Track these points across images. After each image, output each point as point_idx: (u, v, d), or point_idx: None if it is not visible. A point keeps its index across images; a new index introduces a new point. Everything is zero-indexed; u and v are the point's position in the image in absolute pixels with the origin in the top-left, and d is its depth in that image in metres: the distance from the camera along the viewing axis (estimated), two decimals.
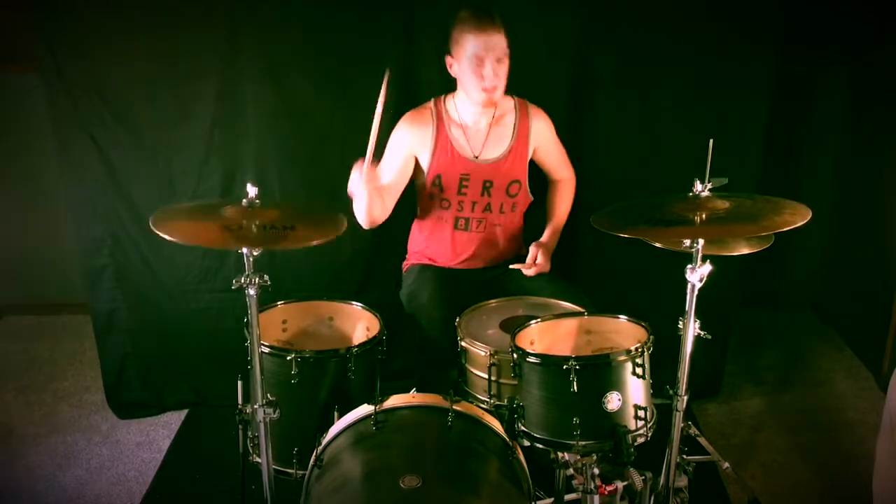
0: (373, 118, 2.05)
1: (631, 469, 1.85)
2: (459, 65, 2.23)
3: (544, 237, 2.47)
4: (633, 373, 1.80)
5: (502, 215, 2.42)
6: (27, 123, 3.33)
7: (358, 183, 2.12)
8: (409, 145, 2.33)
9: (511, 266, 2.41)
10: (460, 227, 2.42)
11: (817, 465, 2.57)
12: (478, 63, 2.18)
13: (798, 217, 1.64)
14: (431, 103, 2.36)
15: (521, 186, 2.40)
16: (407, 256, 2.57)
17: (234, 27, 2.45)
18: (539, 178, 2.51)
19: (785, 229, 1.62)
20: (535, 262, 2.37)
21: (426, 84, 2.50)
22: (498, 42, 2.17)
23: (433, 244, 2.48)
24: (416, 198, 2.47)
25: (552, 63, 2.55)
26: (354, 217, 2.22)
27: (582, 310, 2.14)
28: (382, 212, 2.27)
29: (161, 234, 1.62)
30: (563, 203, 2.52)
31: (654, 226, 1.76)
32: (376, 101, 2.03)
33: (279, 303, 2.19)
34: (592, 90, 2.59)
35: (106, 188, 2.59)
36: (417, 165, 2.37)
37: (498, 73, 2.20)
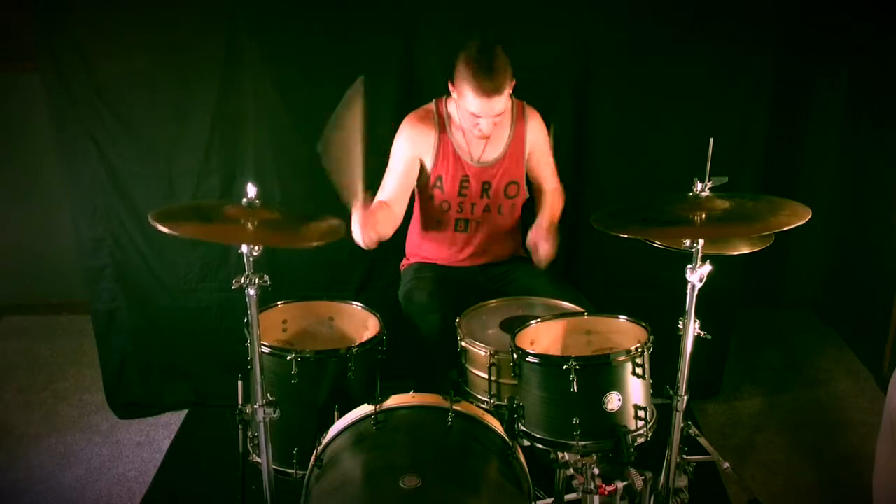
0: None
1: (631, 469, 1.85)
2: (458, 103, 2.22)
3: (539, 220, 2.29)
4: (633, 373, 1.80)
5: (501, 216, 2.42)
6: (27, 123, 3.33)
7: (360, 230, 2.04)
8: (413, 149, 2.32)
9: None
10: (460, 229, 2.42)
11: (817, 465, 2.57)
12: (474, 118, 2.18)
13: (796, 218, 1.63)
14: (433, 105, 2.36)
15: (518, 187, 2.40)
16: (405, 257, 2.57)
17: (234, 27, 2.46)
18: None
19: (784, 229, 1.62)
20: (537, 249, 2.23)
21: (426, 84, 2.50)
22: (496, 104, 2.13)
23: (433, 245, 2.48)
24: (416, 200, 2.47)
25: (553, 64, 2.56)
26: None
27: (582, 310, 2.14)
28: (391, 226, 2.25)
29: (159, 227, 1.60)
30: (555, 203, 2.40)
31: (654, 226, 1.76)
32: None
33: (279, 303, 2.19)
34: (593, 91, 2.59)
35: (106, 188, 2.59)
36: (421, 166, 2.37)
37: (492, 124, 2.20)
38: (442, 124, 2.33)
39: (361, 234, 2.06)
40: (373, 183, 2.31)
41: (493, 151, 2.35)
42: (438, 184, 2.35)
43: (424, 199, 2.43)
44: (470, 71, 2.10)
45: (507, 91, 2.15)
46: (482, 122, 2.18)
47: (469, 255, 2.47)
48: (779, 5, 2.45)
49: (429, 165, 2.34)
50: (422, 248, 2.51)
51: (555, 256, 2.26)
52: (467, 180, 2.35)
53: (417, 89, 2.52)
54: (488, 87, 2.09)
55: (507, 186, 2.38)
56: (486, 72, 2.09)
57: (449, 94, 2.29)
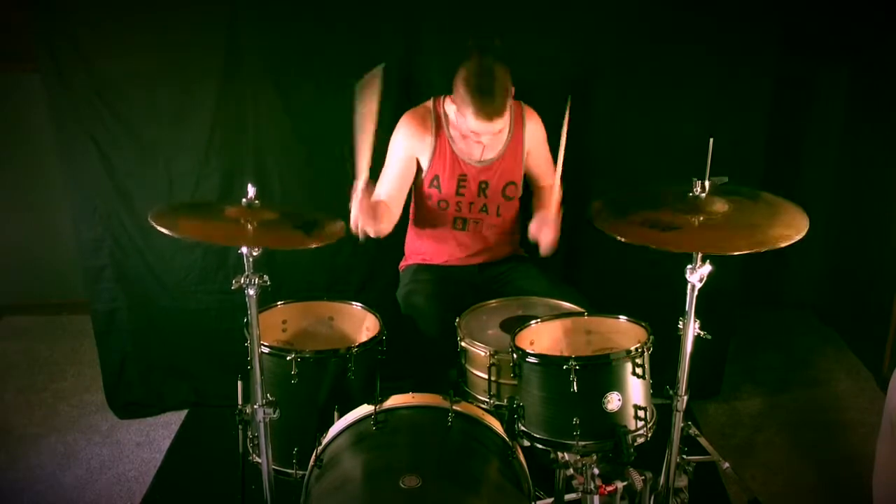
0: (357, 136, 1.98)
1: (631, 469, 1.85)
2: (457, 118, 2.20)
3: (544, 211, 2.25)
4: (633, 373, 1.80)
5: (499, 217, 2.42)
6: (27, 123, 3.33)
7: (358, 212, 2.05)
8: (409, 147, 2.32)
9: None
10: (458, 228, 2.42)
11: (817, 465, 2.57)
12: (475, 133, 2.17)
13: (794, 231, 1.63)
14: (430, 103, 2.35)
15: (517, 188, 2.39)
16: (404, 257, 2.57)
17: (234, 28, 2.46)
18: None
19: (782, 245, 1.62)
20: (541, 238, 2.21)
21: (426, 85, 2.50)
22: (497, 125, 2.13)
23: (430, 244, 2.48)
24: (413, 198, 2.46)
25: (553, 64, 2.55)
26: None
27: (582, 310, 2.14)
28: (389, 222, 2.25)
29: (160, 228, 1.60)
30: (554, 197, 2.32)
31: (653, 228, 1.75)
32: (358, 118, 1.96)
33: (279, 303, 2.19)
34: (592, 90, 2.59)
35: (106, 188, 2.59)
36: (418, 165, 2.37)
37: (491, 137, 2.20)
38: (439, 124, 2.32)
39: (356, 219, 2.04)
40: (373, 173, 2.32)
41: (492, 152, 2.34)
42: (436, 183, 2.35)
43: (422, 198, 2.43)
44: (470, 94, 2.08)
45: (508, 112, 2.14)
46: (482, 137, 2.19)
47: (468, 255, 2.46)
48: (779, 5, 2.45)
49: (425, 164, 2.34)
50: (420, 248, 2.51)
51: (556, 246, 2.24)
52: (465, 179, 2.34)
53: (416, 90, 2.52)
54: (489, 111, 2.08)
55: (506, 187, 2.37)
56: (487, 95, 2.07)
57: (447, 93, 2.29)
